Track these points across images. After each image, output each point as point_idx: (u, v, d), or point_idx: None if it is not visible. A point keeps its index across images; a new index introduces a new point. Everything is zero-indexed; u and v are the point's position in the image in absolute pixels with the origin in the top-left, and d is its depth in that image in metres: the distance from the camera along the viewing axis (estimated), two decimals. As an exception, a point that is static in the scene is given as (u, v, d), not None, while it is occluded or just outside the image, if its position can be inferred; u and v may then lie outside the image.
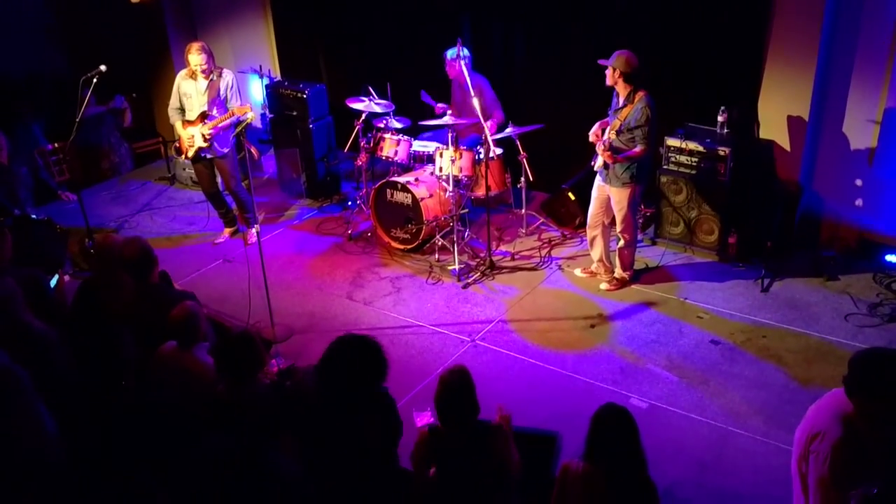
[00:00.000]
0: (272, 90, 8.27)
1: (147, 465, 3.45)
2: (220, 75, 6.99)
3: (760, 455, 4.84)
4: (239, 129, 6.70)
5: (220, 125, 6.95)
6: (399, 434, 3.86)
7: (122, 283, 4.80)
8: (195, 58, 6.84)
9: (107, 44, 9.09)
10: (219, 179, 7.50)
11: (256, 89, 9.00)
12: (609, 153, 5.97)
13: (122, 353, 4.03)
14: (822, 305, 6.24)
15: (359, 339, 3.74)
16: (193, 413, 3.99)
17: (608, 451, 3.34)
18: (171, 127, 7.29)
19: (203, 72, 6.89)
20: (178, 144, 7.23)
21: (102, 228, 7.81)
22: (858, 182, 6.70)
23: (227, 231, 7.70)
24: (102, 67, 6.60)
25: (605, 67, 5.94)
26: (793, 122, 6.71)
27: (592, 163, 6.25)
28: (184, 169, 8.77)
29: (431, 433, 3.67)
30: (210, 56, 6.91)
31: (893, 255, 6.55)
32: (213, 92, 6.96)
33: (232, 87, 7.05)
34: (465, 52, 7.23)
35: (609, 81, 5.98)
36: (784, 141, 6.80)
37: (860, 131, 6.60)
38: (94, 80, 6.62)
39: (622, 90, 5.98)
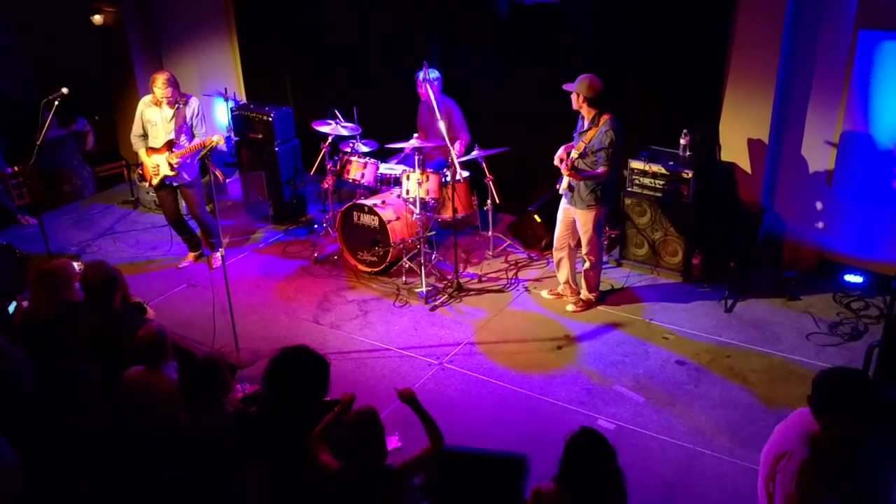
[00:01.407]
0: (238, 113, 8.23)
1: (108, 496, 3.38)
2: (185, 103, 6.94)
3: (727, 475, 4.87)
4: (204, 152, 6.66)
5: (187, 154, 6.90)
6: None
7: (66, 307, 4.72)
8: (160, 91, 6.80)
9: (70, 65, 9.00)
10: (183, 205, 7.43)
11: (222, 112, 8.95)
12: (572, 172, 6.02)
13: (83, 384, 3.95)
14: (785, 325, 6.33)
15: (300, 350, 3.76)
16: (157, 442, 3.91)
17: (584, 475, 3.29)
18: (135, 152, 7.21)
19: (168, 103, 6.85)
20: (141, 171, 7.16)
21: (64, 253, 7.66)
22: (819, 205, 6.83)
23: (191, 255, 7.61)
24: (64, 90, 6.52)
25: (572, 88, 6.00)
26: (753, 145, 6.83)
27: (558, 185, 6.30)
28: (147, 192, 8.67)
29: (339, 472, 3.49)
30: (175, 87, 6.86)
31: (852, 275, 6.68)
32: (179, 119, 6.90)
33: (198, 114, 7.00)
34: (435, 73, 7.28)
35: (575, 106, 6.05)
36: (745, 163, 6.92)
37: (818, 153, 6.74)
38: (56, 102, 6.53)
39: (587, 114, 6.05)
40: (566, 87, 6.02)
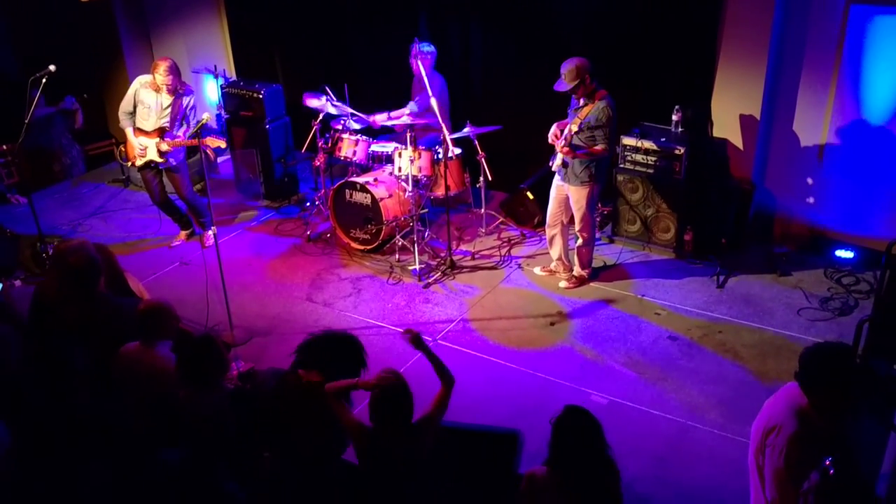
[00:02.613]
0: (227, 90, 8.17)
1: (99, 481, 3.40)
2: (185, 93, 6.92)
3: (718, 448, 4.92)
4: (195, 129, 6.62)
5: (179, 146, 6.88)
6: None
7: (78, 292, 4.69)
8: (161, 77, 6.75)
9: (56, 43, 8.91)
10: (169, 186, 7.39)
11: (211, 89, 8.89)
12: (568, 149, 6.00)
13: (75, 367, 3.94)
14: (776, 301, 6.37)
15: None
16: (151, 423, 3.91)
17: (573, 453, 3.29)
18: (121, 129, 7.15)
19: (168, 90, 6.81)
20: (125, 149, 7.12)
21: (55, 234, 7.62)
22: (809, 181, 6.84)
23: (183, 234, 7.59)
24: (52, 67, 6.45)
25: (568, 88, 5.93)
26: (745, 121, 6.83)
27: (550, 163, 6.30)
28: (138, 171, 8.63)
29: (372, 431, 3.64)
30: (177, 75, 6.82)
31: (843, 251, 6.71)
32: (176, 109, 6.87)
33: (192, 106, 6.99)
34: (430, 47, 7.23)
35: (580, 95, 6.01)
36: (737, 139, 6.92)
37: (810, 129, 6.75)
38: (44, 80, 6.46)
39: (584, 92, 6.00)
40: (557, 88, 5.97)
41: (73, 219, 8.13)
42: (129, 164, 7.24)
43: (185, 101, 6.91)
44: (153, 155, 6.93)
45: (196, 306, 6.21)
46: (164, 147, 6.87)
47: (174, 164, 7.06)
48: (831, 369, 3.25)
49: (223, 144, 6.83)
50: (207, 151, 7.00)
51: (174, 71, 6.78)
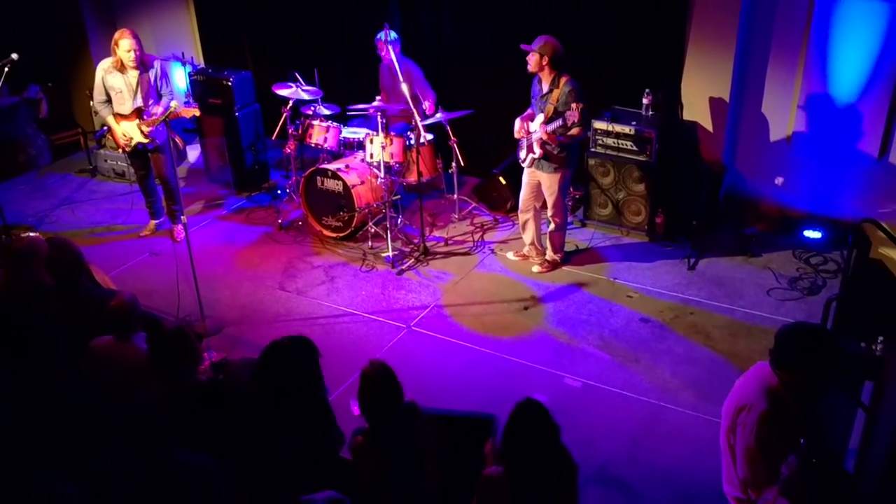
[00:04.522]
0: (196, 78, 8.06)
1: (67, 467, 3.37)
2: (149, 67, 6.76)
3: (690, 429, 4.98)
4: (164, 117, 6.53)
5: (160, 122, 6.75)
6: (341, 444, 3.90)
7: (41, 286, 4.63)
8: (127, 42, 6.49)
9: (18, 30, 8.73)
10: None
11: (180, 77, 8.77)
12: (550, 135, 5.97)
13: (54, 350, 3.90)
14: (746, 281, 6.44)
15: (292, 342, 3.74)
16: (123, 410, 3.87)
17: (521, 449, 3.24)
18: (92, 117, 7.04)
19: (135, 59, 6.58)
20: (111, 137, 7.00)
21: (20, 224, 7.50)
22: (778, 180, 6.91)
23: (152, 224, 7.48)
24: (14, 56, 6.32)
25: (533, 48, 5.94)
26: (715, 104, 6.88)
27: (521, 159, 6.31)
28: (105, 160, 8.52)
29: (366, 438, 3.61)
30: (140, 41, 6.63)
31: (811, 231, 6.79)
32: (145, 85, 6.70)
33: (162, 75, 6.82)
34: (394, 35, 7.17)
35: (534, 68, 6.00)
36: (707, 122, 6.97)
37: (778, 112, 6.81)
38: (6, 69, 6.34)
39: (546, 76, 6.01)
40: (525, 46, 5.96)
41: (39, 210, 8.00)
42: (120, 150, 7.14)
43: (152, 73, 6.74)
44: (138, 137, 6.81)
45: (167, 296, 6.15)
46: (145, 129, 6.75)
47: (159, 143, 6.92)
48: (808, 350, 3.29)
49: (197, 112, 6.67)
50: (176, 140, 6.90)
51: (137, 36, 6.57)
